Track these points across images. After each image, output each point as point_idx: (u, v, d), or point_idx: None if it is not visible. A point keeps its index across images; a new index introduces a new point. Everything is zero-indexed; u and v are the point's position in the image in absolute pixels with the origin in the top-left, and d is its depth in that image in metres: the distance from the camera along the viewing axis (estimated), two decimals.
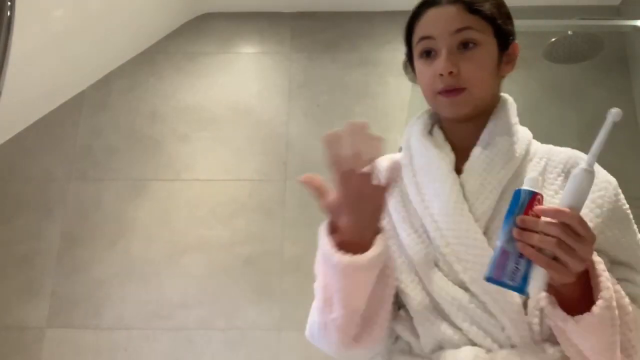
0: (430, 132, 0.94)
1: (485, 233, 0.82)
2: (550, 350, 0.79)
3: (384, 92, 2.56)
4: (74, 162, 2.49)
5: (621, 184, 0.92)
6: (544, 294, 0.76)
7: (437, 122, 0.96)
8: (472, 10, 0.87)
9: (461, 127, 0.91)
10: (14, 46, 0.87)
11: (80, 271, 2.32)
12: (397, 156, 0.97)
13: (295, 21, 2.72)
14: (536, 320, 0.79)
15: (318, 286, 0.83)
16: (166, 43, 2.69)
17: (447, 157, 0.89)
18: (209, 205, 2.40)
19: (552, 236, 0.66)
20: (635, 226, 0.88)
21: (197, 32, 2.72)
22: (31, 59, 2.17)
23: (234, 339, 2.22)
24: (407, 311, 0.86)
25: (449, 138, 0.92)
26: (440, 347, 0.81)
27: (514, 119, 0.92)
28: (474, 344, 0.79)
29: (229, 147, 2.50)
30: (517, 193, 0.69)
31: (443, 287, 0.82)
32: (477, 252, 0.80)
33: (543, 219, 0.67)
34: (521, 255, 0.67)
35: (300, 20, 2.72)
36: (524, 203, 0.68)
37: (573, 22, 2.30)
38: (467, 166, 0.87)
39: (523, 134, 0.92)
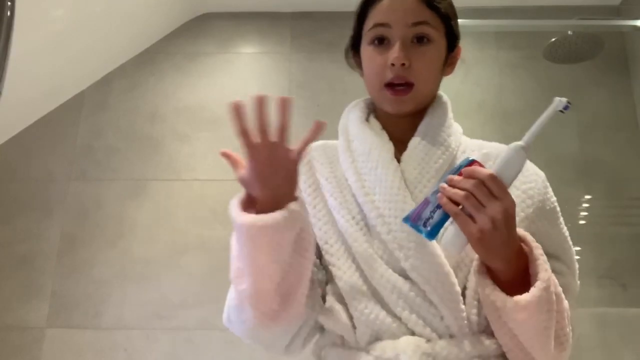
0: (367, 120, 0.94)
1: None
2: (487, 341, 0.79)
3: None
4: (74, 162, 2.49)
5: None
6: (484, 279, 0.75)
7: (373, 112, 0.96)
8: (431, 5, 0.87)
9: (398, 120, 0.91)
10: (14, 46, 0.87)
11: (80, 271, 2.32)
12: (332, 141, 0.96)
13: (295, 21, 2.72)
14: (474, 311, 0.80)
15: (231, 258, 0.82)
16: (166, 43, 2.69)
17: (387, 145, 0.88)
18: (209, 205, 2.40)
19: (465, 189, 0.70)
20: (562, 220, 0.90)
21: (197, 32, 2.72)
22: (31, 59, 2.17)
23: (234, 339, 2.21)
24: (340, 301, 0.83)
25: (385, 128, 0.92)
26: (377, 339, 0.80)
27: (450, 114, 0.93)
28: (412, 333, 0.78)
29: (229, 147, 2.47)
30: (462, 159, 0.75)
31: (383, 275, 0.80)
32: (420, 240, 0.79)
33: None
34: (439, 206, 0.72)
35: (300, 20, 2.72)
36: (461, 166, 0.73)
37: (573, 22, 2.30)
38: (405, 155, 0.87)
39: (457, 128, 0.93)
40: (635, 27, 2.33)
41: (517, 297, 0.72)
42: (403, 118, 0.90)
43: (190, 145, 2.51)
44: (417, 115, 0.91)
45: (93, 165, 2.48)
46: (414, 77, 0.85)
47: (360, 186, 0.85)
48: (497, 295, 0.73)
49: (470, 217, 0.70)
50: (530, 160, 0.92)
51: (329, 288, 0.86)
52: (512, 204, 0.71)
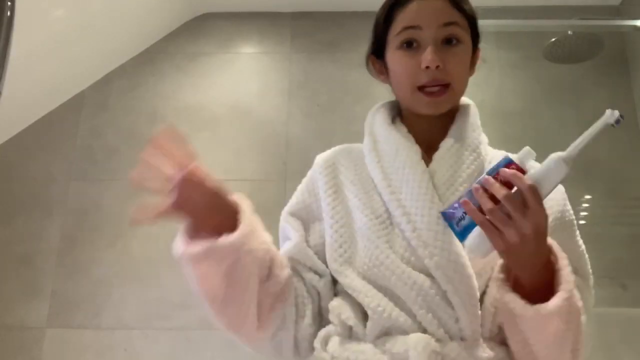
0: (392, 123, 0.94)
1: None
2: (497, 348, 0.79)
3: (384, 92, 2.55)
4: (74, 162, 2.49)
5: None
6: (502, 286, 0.76)
7: (398, 115, 0.96)
8: (458, 7, 0.88)
9: (426, 122, 0.91)
10: (14, 46, 0.88)
11: (80, 271, 2.32)
12: (357, 144, 0.98)
13: (295, 21, 2.72)
14: (489, 317, 0.80)
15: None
16: (166, 43, 2.69)
17: (414, 147, 0.88)
18: None
19: (497, 197, 0.68)
20: (578, 233, 0.90)
21: (197, 32, 2.72)
22: (31, 59, 2.17)
23: (233, 339, 2.22)
24: (350, 296, 0.84)
25: (411, 131, 0.91)
26: (386, 334, 0.80)
27: (478, 121, 0.93)
28: (423, 331, 0.78)
29: (229, 147, 2.50)
30: (502, 157, 0.72)
31: (404, 271, 0.80)
32: (447, 239, 0.79)
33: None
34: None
35: (300, 20, 2.72)
36: (499, 166, 0.70)
37: (573, 22, 2.31)
38: (437, 156, 0.87)
39: (484, 137, 0.94)
40: (635, 27, 2.33)
41: (538, 306, 0.71)
42: (431, 120, 0.90)
43: (190, 145, 2.51)
44: (445, 118, 0.91)
45: (93, 165, 2.48)
46: (448, 77, 0.86)
47: (386, 185, 0.86)
48: (517, 303, 0.73)
49: (499, 230, 0.68)
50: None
51: (327, 292, 0.88)
52: (545, 218, 0.69)
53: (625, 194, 2.31)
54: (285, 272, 0.86)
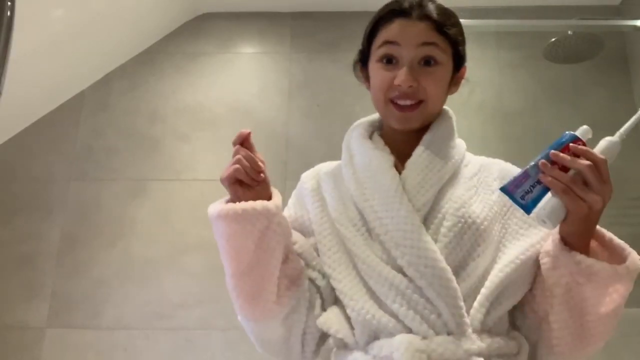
0: (370, 138, 0.99)
1: (423, 223, 0.86)
2: (489, 340, 0.80)
3: None
4: (74, 162, 2.49)
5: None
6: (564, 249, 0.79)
7: (377, 130, 1.02)
8: (440, 30, 0.91)
9: (402, 136, 0.95)
10: (14, 46, 0.88)
11: (80, 271, 2.32)
12: (338, 162, 1.03)
13: (295, 21, 2.72)
14: (483, 309, 0.81)
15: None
16: (166, 43, 2.69)
17: (387, 156, 0.93)
18: (208, 205, 2.40)
19: (576, 168, 0.73)
20: None
21: (197, 32, 2.72)
22: (31, 59, 2.17)
23: (234, 339, 2.22)
24: (338, 305, 0.88)
25: (388, 144, 0.96)
26: (374, 338, 0.82)
27: (455, 129, 0.98)
28: (409, 331, 0.79)
29: (229, 147, 2.47)
30: (563, 135, 0.76)
31: (380, 273, 0.83)
32: (415, 236, 0.83)
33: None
34: (539, 182, 0.75)
35: (300, 20, 2.72)
36: (564, 142, 0.75)
37: (573, 22, 2.30)
38: (409, 163, 0.92)
39: (460, 143, 0.98)
40: (635, 27, 2.33)
41: (626, 264, 0.77)
42: (409, 133, 0.94)
43: (190, 145, 2.51)
44: (421, 131, 0.95)
45: (93, 165, 2.48)
46: (423, 94, 0.90)
47: (360, 194, 0.91)
48: (601, 264, 0.76)
49: (579, 197, 0.73)
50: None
51: (329, 295, 0.90)
52: (612, 191, 0.75)
53: (625, 194, 2.31)
54: (300, 260, 0.91)
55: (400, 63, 0.90)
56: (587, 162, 0.73)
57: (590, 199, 0.73)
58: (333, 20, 2.71)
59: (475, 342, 0.78)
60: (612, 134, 0.78)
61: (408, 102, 0.90)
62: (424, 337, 0.78)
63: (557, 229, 0.80)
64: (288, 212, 1.03)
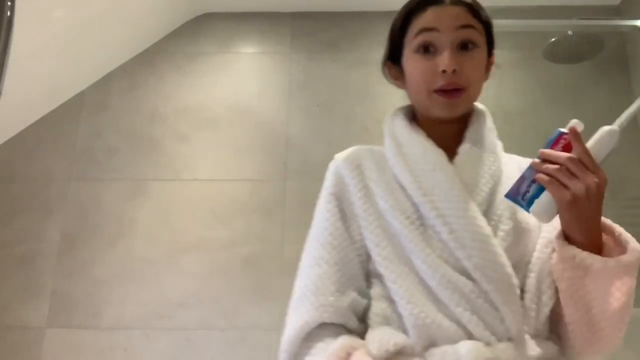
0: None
1: None
2: (544, 344, 0.80)
3: (384, 92, 2.55)
4: (74, 162, 2.49)
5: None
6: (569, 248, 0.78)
7: (414, 121, 0.97)
8: (474, 13, 0.90)
9: (442, 127, 0.92)
10: (14, 46, 0.87)
11: (80, 271, 2.32)
12: (377, 147, 0.98)
13: (295, 21, 2.72)
14: (533, 313, 0.80)
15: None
16: (166, 43, 2.69)
17: (440, 150, 0.89)
18: (209, 205, 2.40)
19: (559, 163, 0.74)
20: None
21: (197, 32, 2.72)
22: (31, 59, 2.17)
23: (234, 339, 2.22)
24: (391, 307, 0.83)
25: (428, 137, 0.93)
26: (432, 344, 0.78)
27: (492, 125, 0.96)
28: (470, 336, 0.77)
29: (229, 147, 2.50)
30: (554, 132, 0.79)
31: (444, 274, 0.80)
32: (485, 239, 0.80)
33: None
34: (534, 181, 0.77)
35: (300, 20, 2.72)
36: (552, 140, 0.78)
37: (573, 22, 2.30)
38: (459, 160, 0.88)
39: (499, 142, 0.96)
40: (635, 27, 2.33)
41: (618, 257, 0.76)
42: (446, 125, 0.92)
43: (190, 145, 2.51)
44: (459, 124, 0.93)
45: (93, 165, 2.48)
46: (464, 82, 0.87)
47: (416, 187, 0.86)
48: (594, 257, 0.76)
49: (564, 186, 0.74)
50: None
51: (378, 293, 0.86)
52: (604, 180, 0.75)
53: (625, 194, 2.31)
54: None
55: (439, 50, 0.88)
56: (567, 154, 0.74)
57: (573, 187, 0.73)
58: (333, 20, 2.71)
59: (534, 348, 0.78)
60: None
61: (453, 90, 0.87)
62: (487, 344, 0.76)
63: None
64: (328, 204, 0.93)
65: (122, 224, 2.39)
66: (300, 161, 2.45)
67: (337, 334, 0.82)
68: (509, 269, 0.80)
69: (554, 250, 0.82)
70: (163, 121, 2.56)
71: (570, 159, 0.74)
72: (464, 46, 0.88)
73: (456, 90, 0.87)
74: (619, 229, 0.81)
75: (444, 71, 0.86)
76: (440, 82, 0.87)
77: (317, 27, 2.70)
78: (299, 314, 0.85)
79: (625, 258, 0.76)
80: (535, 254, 0.85)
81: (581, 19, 2.31)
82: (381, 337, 0.81)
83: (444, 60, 0.86)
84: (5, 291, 2.29)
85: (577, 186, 0.73)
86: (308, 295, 0.87)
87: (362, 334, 0.85)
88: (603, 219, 0.80)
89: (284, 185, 2.41)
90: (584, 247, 0.77)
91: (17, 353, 2.21)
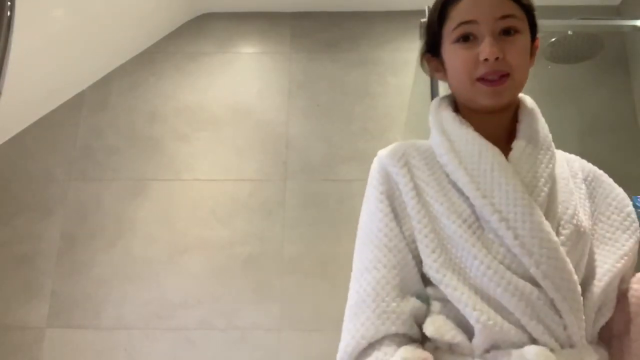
0: None
1: None
2: (600, 350, 0.80)
3: (384, 92, 2.56)
4: (74, 162, 2.49)
5: (621, 184, 0.93)
6: None
7: (456, 112, 0.92)
8: None
9: (487, 120, 0.88)
10: (14, 46, 0.87)
11: (80, 271, 2.32)
12: (422, 142, 0.92)
13: (295, 21, 2.72)
14: (590, 321, 0.79)
15: None
16: (166, 43, 2.69)
17: (495, 147, 0.84)
18: (209, 205, 2.40)
19: None
20: None
21: (197, 32, 2.72)
22: (31, 59, 2.17)
23: (234, 339, 2.22)
24: (450, 310, 0.79)
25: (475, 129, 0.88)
26: (494, 347, 0.76)
27: (543, 118, 0.92)
28: (534, 342, 0.75)
29: (229, 147, 2.50)
30: None
31: (510, 281, 0.76)
32: (553, 246, 0.77)
33: None
34: None
35: (300, 20, 2.72)
36: None
37: (573, 22, 2.30)
38: (514, 158, 0.84)
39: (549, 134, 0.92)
40: (635, 27, 2.32)
41: None
42: (492, 117, 0.88)
43: (190, 145, 2.51)
44: (505, 115, 0.89)
45: (93, 165, 2.48)
46: (507, 67, 0.83)
47: (474, 188, 0.81)
48: None
49: None
50: None
51: (432, 294, 0.82)
52: None
53: (626, 194, 2.31)
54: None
55: (479, 39, 0.84)
56: None
57: None
58: (333, 20, 2.71)
59: (593, 355, 0.77)
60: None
61: (495, 77, 0.83)
62: (551, 350, 0.75)
63: None
64: (380, 203, 0.87)
65: (122, 224, 2.39)
66: (300, 161, 2.45)
67: (399, 344, 0.78)
68: (575, 277, 0.77)
69: (635, 280, 0.82)
70: (163, 121, 2.56)
71: None
72: (506, 32, 0.84)
73: (500, 78, 0.83)
74: None
75: (486, 60, 0.82)
76: (482, 70, 0.83)
77: (317, 27, 2.70)
78: (360, 322, 0.80)
79: None
80: (607, 266, 0.82)
81: (581, 19, 2.31)
82: (441, 325, 0.78)
83: (486, 48, 0.82)
84: (5, 291, 2.29)
85: None
86: (368, 301, 0.81)
87: (424, 342, 0.81)
88: None
89: (284, 185, 2.41)
90: None
91: (17, 353, 2.21)
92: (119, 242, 2.36)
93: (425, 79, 1.65)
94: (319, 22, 2.71)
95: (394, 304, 0.79)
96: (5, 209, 2.41)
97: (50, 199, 2.43)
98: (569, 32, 2.28)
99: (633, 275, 0.86)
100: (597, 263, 0.84)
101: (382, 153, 0.91)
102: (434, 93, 1.67)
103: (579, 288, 0.78)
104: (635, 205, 0.75)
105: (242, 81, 2.63)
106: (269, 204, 2.39)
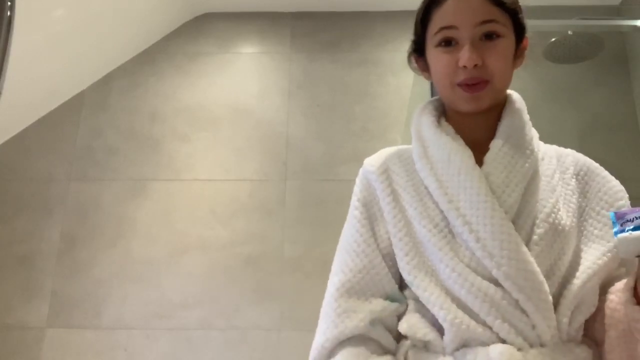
0: (438, 124, 0.91)
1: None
2: (577, 349, 0.79)
3: (384, 92, 2.56)
4: (74, 162, 2.49)
5: (621, 184, 0.92)
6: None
7: (443, 114, 0.93)
8: (497, 3, 0.85)
9: (472, 121, 0.89)
10: (14, 46, 0.87)
11: (80, 271, 2.32)
12: (405, 148, 0.95)
13: (295, 21, 2.72)
14: (566, 320, 0.79)
15: None
16: (166, 43, 2.69)
17: (466, 151, 0.85)
18: (209, 205, 2.40)
19: None
20: None
21: (197, 32, 2.72)
22: (31, 59, 2.17)
23: (234, 339, 2.22)
24: (423, 311, 0.82)
25: (458, 131, 0.89)
26: (464, 345, 0.78)
27: (527, 115, 0.92)
28: (503, 341, 0.76)
29: (229, 147, 2.50)
30: None
31: (474, 283, 0.78)
32: (513, 247, 0.77)
33: None
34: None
35: (300, 20, 2.72)
36: None
37: (573, 22, 2.30)
38: (489, 158, 0.85)
39: (534, 132, 0.92)
40: (635, 27, 2.33)
41: None
42: (477, 118, 0.88)
43: (190, 145, 2.51)
44: (490, 115, 0.89)
45: (93, 165, 2.48)
46: (488, 74, 0.83)
47: (442, 193, 0.83)
48: None
49: None
50: None
51: (409, 294, 0.85)
52: None
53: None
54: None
55: (460, 44, 0.84)
56: None
57: None
58: (333, 20, 2.71)
59: (566, 354, 0.77)
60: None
61: (475, 83, 0.83)
62: (519, 349, 0.75)
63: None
64: (355, 210, 0.92)
65: (122, 224, 2.39)
66: (300, 161, 2.45)
67: (355, 346, 0.81)
68: (541, 277, 0.78)
69: (612, 290, 0.80)
70: (163, 121, 2.56)
71: None
72: (487, 36, 0.84)
73: (479, 84, 0.84)
74: None
75: (465, 66, 0.82)
76: (461, 77, 0.84)
77: (317, 27, 2.70)
78: (325, 325, 0.85)
79: None
80: (588, 263, 0.82)
81: (581, 19, 2.31)
82: (414, 323, 0.81)
83: (464, 55, 0.82)
84: (5, 291, 2.29)
85: None
86: (332, 303, 0.86)
87: (400, 340, 0.85)
88: None
89: (284, 185, 2.41)
90: None
91: (17, 353, 2.21)
92: (119, 242, 2.36)
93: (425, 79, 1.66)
94: (319, 22, 2.71)
95: (354, 305, 0.84)
96: (5, 209, 2.41)
97: (50, 199, 2.43)
98: (569, 32, 2.28)
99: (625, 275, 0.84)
100: (581, 261, 0.83)
101: (366, 161, 0.95)
102: (434, 93, 1.67)
103: (546, 287, 0.78)
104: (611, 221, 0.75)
105: (242, 81, 2.63)
106: (269, 204, 2.39)
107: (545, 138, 0.98)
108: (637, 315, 0.73)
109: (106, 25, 2.41)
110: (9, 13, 0.85)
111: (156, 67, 2.65)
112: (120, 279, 2.30)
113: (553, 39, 2.31)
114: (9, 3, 0.84)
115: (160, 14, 2.61)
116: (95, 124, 2.56)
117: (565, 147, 0.97)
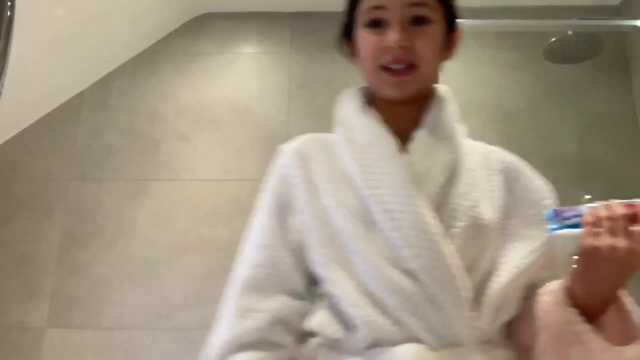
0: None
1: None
2: (496, 351, 0.76)
3: None
4: (74, 162, 2.49)
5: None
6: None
7: (370, 103, 0.89)
8: None
9: (398, 110, 0.86)
10: (14, 46, 0.87)
11: (80, 271, 2.32)
12: (327, 135, 0.91)
13: (295, 21, 2.72)
14: (486, 319, 0.75)
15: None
16: (166, 43, 2.69)
17: (390, 138, 0.82)
18: (209, 205, 2.40)
19: (612, 216, 0.70)
20: None
21: (197, 32, 2.72)
22: (31, 59, 2.17)
23: None
24: (334, 306, 0.77)
25: (383, 120, 0.85)
26: (375, 344, 0.74)
27: (456, 109, 0.89)
28: (415, 340, 0.72)
29: (229, 147, 2.50)
30: None
31: (385, 275, 0.74)
32: (432, 237, 0.74)
33: None
34: (579, 216, 0.73)
35: (300, 20, 2.72)
36: (628, 202, 0.74)
37: (573, 22, 2.30)
38: (413, 148, 0.82)
39: (461, 126, 0.89)
40: (635, 27, 2.33)
41: (620, 348, 0.69)
42: (402, 107, 0.86)
43: (190, 145, 2.51)
44: (416, 106, 0.86)
45: (93, 165, 2.48)
46: (416, 58, 0.81)
47: (364, 178, 0.80)
48: (597, 342, 0.70)
49: (596, 235, 0.69)
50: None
51: (320, 291, 0.81)
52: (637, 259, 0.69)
53: (625, 194, 2.30)
54: None
55: (389, 25, 0.81)
56: (623, 211, 0.70)
57: (603, 240, 0.68)
58: (333, 20, 2.69)
59: (485, 354, 0.74)
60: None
61: (402, 66, 0.81)
62: (432, 349, 0.72)
63: (571, 278, 0.74)
64: (271, 196, 0.89)
65: (122, 224, 2.39)
66: None
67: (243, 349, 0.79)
68: (457, 271, 0.74)
69: (545, 292, 0.77)
70: (163, 121, 2.56)
71: (623, 215, 0.70)
72: (417, 21, 0.82)
73: (405, 69, 0.81)
74: (633, 307, 0.73)
75: (392, 48, 0.80)
76: (388, 58, 0.81)
77: (317, 27, 2.70)
78: (224, 322, 0.84)
79: (630, 352, 0.69)
80: (514, 262, 0.79)
81: (581, 19, 2.31)
82: (323, 320, 0.77)
83: (391, 35, 0.80)
84: (5, 291, 2.29)
85: (606, 241, 0.68)
86: (232, 299, 0.84)
87: (307, 338, 0.80)
88: (627, 300, 0.74)
89: None
90: (584, 308, 0.72)
91: (17, 353, 2.21)
92: (119, 242, 2.36)
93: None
94: (319, 22, 2.71)
95: (255, 303, 0.80)
96: (5, 209, 2.41)
97: (50, 199, 2.43)
98: (569, 32, 2.28)
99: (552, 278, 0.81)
100: (504, 259, 0.80)
101: (284, 147, 0.92)
102: None
103: (465, 283, 0.75)
104: (547, 218, 0.74)
105: (242, 81, 2.63)
106: None
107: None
108: (572, 317, 0.71)
109: (106, 25, 2.41)
110: (9, 13, 0.85)
111: (156, 67, 2.65)
112: (120, 279, 2.30)
113: (553, 39, 2.31)
114: (9, 3, 0.84)
115: (161, 14, 2.61)
116: (95, 124, 2.56)
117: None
